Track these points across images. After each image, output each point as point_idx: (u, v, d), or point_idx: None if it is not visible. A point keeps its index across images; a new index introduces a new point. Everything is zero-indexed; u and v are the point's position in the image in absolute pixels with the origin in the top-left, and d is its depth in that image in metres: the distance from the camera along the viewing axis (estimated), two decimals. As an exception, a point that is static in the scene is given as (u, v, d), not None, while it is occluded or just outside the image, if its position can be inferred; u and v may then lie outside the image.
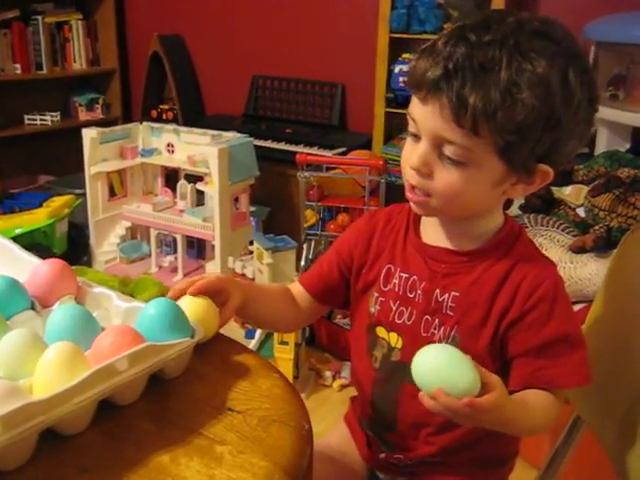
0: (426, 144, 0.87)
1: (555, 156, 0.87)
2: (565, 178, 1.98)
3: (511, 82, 0.80)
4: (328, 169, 2.67)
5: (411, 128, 0.89)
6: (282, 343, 2.29)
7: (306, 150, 3.11)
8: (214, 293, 0.91)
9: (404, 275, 0.99)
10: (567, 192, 2.13)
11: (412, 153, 0.88)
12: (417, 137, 0.88)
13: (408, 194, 0.92)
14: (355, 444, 1.12)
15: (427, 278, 0.96)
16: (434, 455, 1.00)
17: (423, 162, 0.87)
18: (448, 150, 0.85)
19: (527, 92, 0.80)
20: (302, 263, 2.62)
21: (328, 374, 2.45)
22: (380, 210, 1.08)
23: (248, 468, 0.65)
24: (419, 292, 0.97)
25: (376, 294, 1.01)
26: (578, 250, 1.80)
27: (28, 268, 0.92)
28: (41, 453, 0.66)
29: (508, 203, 2.77)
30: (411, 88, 0.87)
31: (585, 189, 1.98)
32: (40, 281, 0.88)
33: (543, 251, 1.80)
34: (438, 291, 0.95)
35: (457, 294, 0.94)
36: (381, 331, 1.01)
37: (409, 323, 0.97)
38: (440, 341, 0.94)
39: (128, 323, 0.80)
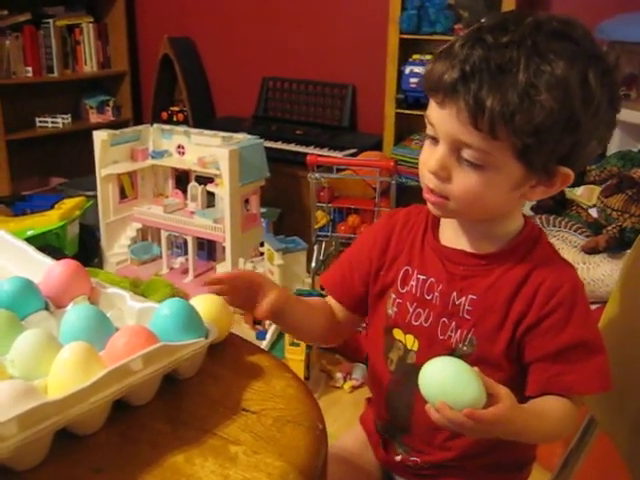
0: (444, 147, 0.86)
1: (575, 158, 0.86)
2: (577, 178, 1.96)
3: (529, 84, 0.79)
4: (338, 170, 2.67)
5: (429, 131, 0.89)
6: (293, 344, 2.29)
7: (316, 151, 3.11)
8: (250, 285, 0.93)
9: (422, 277, 0.98)
10: (579, 192, 2.12)
11: (430, 156, 0.88)
12: (435, 140, 0.88)
13: (426, 195, 0.91)
14: (371, 446, 1.11)
15: (444, 280, 0.96)
16: (451, 460, 0.99)
17: (441, 166, 0.86)
18: (466, 153, 0.84)
19: (545, 94, 0.79)
20: (313, 264, 2.62)
21: (339, 375, 2.44)
22: (399, 211, 1.07)
23: (263, 468, 0.65)
24: (436, 294, 0.96)
25: (393, 296, 1.01)
26: (591, 251, 1.79)
27: (42, 269, 0.92)
28: (56, 453, 0.66)
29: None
30: (428, 91, 0.87)
31: (597, 189, 1.97)
32: (54, 282, 0.88)
33: (555, 252, 1.82)
34: (455, 294, 0.94)
35: (474, 297, 0.93)
36: (398, 333, 1.00)
37: (426, 325, 0.97)
38: (457, 344, 0.94)
39: (142, 323, 0.80)
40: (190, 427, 0.71)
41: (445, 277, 0.96)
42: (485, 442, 0.95)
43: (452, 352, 0.94)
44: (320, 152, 3.11)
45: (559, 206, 2.03)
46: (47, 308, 0.86)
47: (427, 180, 0.89)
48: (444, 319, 0.95)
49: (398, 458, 1.05)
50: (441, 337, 0.95)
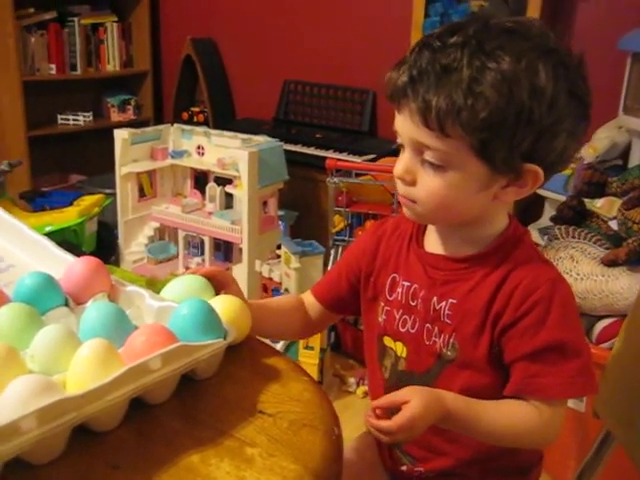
0: (408, 152, 0.89)
1: (541, 154, 0.86)
2: (598, 190, 1.96)
3: (472, 80, 0.80)
4: (357, 175, 2.67)
5: (398, 140, 0.91)
6: (307, 348, 2.29)
7: (336, 156, 3.11)
8: (218, 283, 0.93)
9: (406, 284, 0.99)
10: (599, 204, 2.11)
11: (397, 163, 0.90)
12: (403, 147, 0.90)
13: (399, 198, 0.94)
14: (379, 454, 1.11)
15: (426, 286, 0.96)
16: (453, 467, 0.99)
17: (405, 170, 0.89)
18: (427, 155, 0.86)
19: (489, 89, 0.80)
20: (329, 268, 2.62)
21: (352, 380, 2.44)
22: (389, 219, 1.09)
23: (278, 471, 0.65)
24: (419, 300, 0.97)
25: (382, 303, 1.02)
26: (610, 263, 1.78)
27: (63, 265, 0.92)
28: (73, 448, 0.66)
29: (537, 214, 2.75)
30: (388, 99, 0.90)
31: (618, 201, 1.96)
32: (75, 278, 0.89)
33: (574, 263, 1.81)
34: (435, 299, 0.95)
35: (454, 302, 0.93)
36: (388, 340, 1.01)
37: (412, 331, 0.97)
38: (441, 349, 0.94)
39: (160, 322, 0.80)
40: (206, 427, 0.71)
41: (427, 283, 0.96)
42: (483, 448, 0.95)
43: (438, 357, 0.95)
44: (339, 156, 3.11)
45: (579, 217, 2.01)
46: (67, 304, 0.86)
47: (397, 186, 0.92)
48: (428, 325, 0.96)
49: (404, 468, 1.05)
50: (427, 343, 0.96)
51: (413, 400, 0.83)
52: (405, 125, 0.87)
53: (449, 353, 0.94)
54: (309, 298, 1.11)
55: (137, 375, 0.68)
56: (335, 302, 1.10)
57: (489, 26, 0.84)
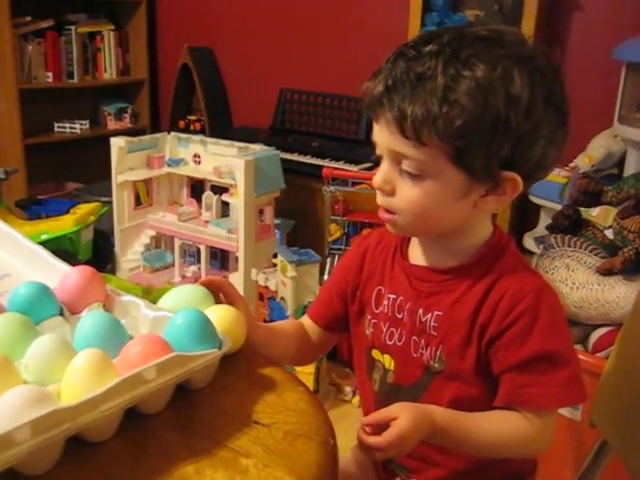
0: (386, 162, 0.89)
1: (519, 161, 0.85)
2: (594, 199, 1.97)
3: (447, 88, 0.80)
4: (354, 184, 2.67)
5: (376, 151, 0.91)
6: (303, 357, 2.28)
7: (332, 164, 3.11)
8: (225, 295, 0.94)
9: (392, 296, 0.99)
10: (595, 213, 2.11)
11: (377, 174, 0.90)
12: (382, 158, 0.90)
13: (379, 213, 0.93)
14: (373, 467, 1.11)
15: (412, 298, 0.96)
16: (446, 477, 0.99)
17: (384, 180, 0.89)
18: (405, 164, 0.86)
19: (464, 96, 0.80)
20: (325, 277, 2.61)
21: (348, 389, 2.44)
22: (373, 232, 1.09)
23: (273, 482, 0.65)
24: (405, 312, 0.96)
25: (369, 316, 1.02)
26: (606, 272, 1.78)
27: (58, 274, 0.92)
28: (67, 459, 0.65)
29: (533, 223, 2.76)
30: (366, 110, 0.90)
31: (613, 210, 1.96)
32: (70, 288, 0.88)
33: (570, 272, 1.81)
34: (421, 311, 0.94)
35: (440, 313, 0.93)
36: (376, 353, 1.01)
37: (400, 344, 0.97)
38: (428, 361, 0.94)
39: (156, 332, 0.80)
40: (201, 438, 0.71)
41: (412, 295, 0.96)
42: (476, 459, 0.95)
43: (426, 369, 0.95)
44: (336, 165, 3.11)
45: (575, 226, 2.02)
46: (62, 314, 0.86)
47: (377, 197, 0.91)
48: (414, 337, 0.95)
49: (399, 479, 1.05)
50: (414, 355, 0.96)
51: (402, 417, 0.83)
52: (382, 135, 0.87)
53: (436, 365, 0.93)
54: (307, 321, 1.10)
55: (132, 385, 0.68)
56: (331, 321, 1.09)
57: (464, 35, 0.84)
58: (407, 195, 0.87)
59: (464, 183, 0.86)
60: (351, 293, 1.05)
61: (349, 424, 2.17)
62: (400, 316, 0.97)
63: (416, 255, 0.99)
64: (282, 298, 2.54)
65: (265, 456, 0.68)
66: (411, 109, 0.81)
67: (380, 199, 0.91)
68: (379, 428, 0.84)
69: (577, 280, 1.82)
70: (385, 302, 0.99)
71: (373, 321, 1.01)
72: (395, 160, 0.87)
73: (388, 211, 0.91)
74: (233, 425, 0.73)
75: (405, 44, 0.86)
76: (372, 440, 0.83)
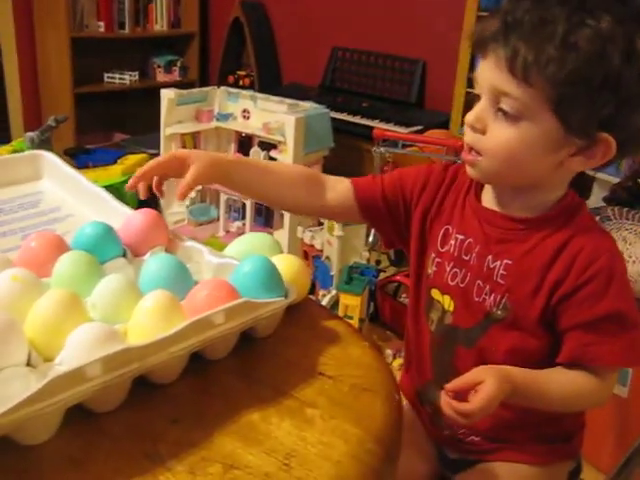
0: (484, 99, 0.86)
1: (620, 125, 0.82)
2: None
3: (567, 32, 0.78)
4: (404, 146, 2.63)
5: (475, 90, 0.89)
6: (346, 317, 2.27)
7: (382, 125, 3.07)
8: (180, 164, 0.96)
9: (460, 237, 0.97)
10: (654, 186, 2.05)
11: (470, 112, 0.88)
12: (478, 98, 0.88)
13: (463, 155, 0.91)
14: (420, 420, 1.09)
15: (481, 242, 0.94)
16: (492, 429, 0.98)
17: (477, 117, 0.86)
18: (503, 103, 0.83)
19: (583, 40, 0.77)
20: (370, 239, 2.59)
21: (389, 352, 2.43)
22: (451, 167, 1.05)
23: (340, 434, 0.64)
24: (474, 255, 0.95)
25: (433, 255, 1.00)
26: (665, 246, 1.73)
27: (120, 218, 0.92)
28: (133, 400, 0.65)
29: (585, 195, 2.70)
30: (475, 48, 0.87)
31: (676, 184, 1.90)
32: (134, 230, 0.88)
33: (627, 245, 1.76)
34: (490, 257, 0.93)
35: (510, 262, 0.91)
36: (436, 293, 0.99)
37: (462, 286, 0.95)
38: (491, 307, 0.93)
39: (220, 278, 0.79)
40: (265, 386, 0.70)
41: (482, 238, 0.94)
42: (524, 413, 0.94)
43: (487, 315, 0.93)
44: (385, 126, 3.07)
45: (633, 198, 1.96)
46: (125, 255, 0.86)
47: (465, 136, 0.89)
48: (479, 281, 0.94)
49: (447, 432, 1.04)
50: (476, 299, 0.94)
51: (487, 381, 0.82)
52: (487, 70, 0.84)
53: (499, 312, 0.92)
54: (343, 183, 1.06)
55: (200, 329, 0.67)
56: (369, 204, 1.05)
57: None
58: (498, 135, 0.85)
59: (558, 135, 0.83)
60: (403, 203, 1.02)
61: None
62: (467, 258, 0.95)
63: (490, 199, 0.96)
64: (327, 257, 2.53)
65: (331, 408, 0.67)
66: (525, 48, 0.79)
67: (469, 136, 0.88)
68: (458, 394, 0.83)
69: (634, 253, 1.77)
70: (452, 242, 0.97)
71: (437, 260, 0.99)
72: (494, 99, 0.84)
73: (472, 152, 0.89)
74: (298, 375, 0.72)
75: None
76: (463, 407, 0.82)
